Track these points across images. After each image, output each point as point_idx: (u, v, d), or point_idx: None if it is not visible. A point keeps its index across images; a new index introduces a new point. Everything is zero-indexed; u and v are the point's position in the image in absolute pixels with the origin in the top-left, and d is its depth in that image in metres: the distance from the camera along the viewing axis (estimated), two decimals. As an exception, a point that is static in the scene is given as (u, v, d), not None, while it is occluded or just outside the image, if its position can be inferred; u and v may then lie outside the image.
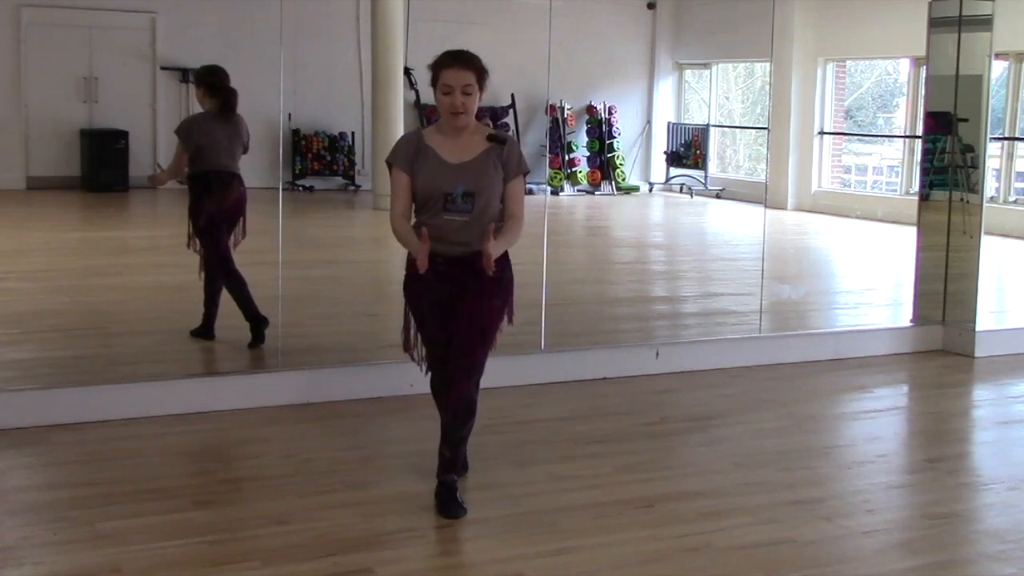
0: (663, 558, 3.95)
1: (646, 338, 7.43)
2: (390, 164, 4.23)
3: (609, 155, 16.64)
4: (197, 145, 6.33)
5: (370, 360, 6.07)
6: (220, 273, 6.47)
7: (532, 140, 15.88)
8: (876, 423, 5.86)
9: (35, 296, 7.98)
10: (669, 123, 17.33)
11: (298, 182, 14.74)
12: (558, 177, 16.13)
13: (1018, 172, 13.88)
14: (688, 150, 16.95)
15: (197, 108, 6.62)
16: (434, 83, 4.12)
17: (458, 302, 4.14)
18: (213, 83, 6.46)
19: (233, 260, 6.46)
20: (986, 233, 7.32)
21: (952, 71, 7.28)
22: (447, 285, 4.15)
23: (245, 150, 6.49)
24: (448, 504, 4.23)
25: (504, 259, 4.20)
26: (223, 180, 6.42)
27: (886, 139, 16.92)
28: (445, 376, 4.24)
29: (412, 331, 4.37)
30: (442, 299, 4.18)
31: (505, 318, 4.30)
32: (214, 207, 6.39)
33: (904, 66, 15.69)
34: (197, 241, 6.47)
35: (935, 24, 7.40)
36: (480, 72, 4.11)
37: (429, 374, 4.41)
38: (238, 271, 6.44)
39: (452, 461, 4.32)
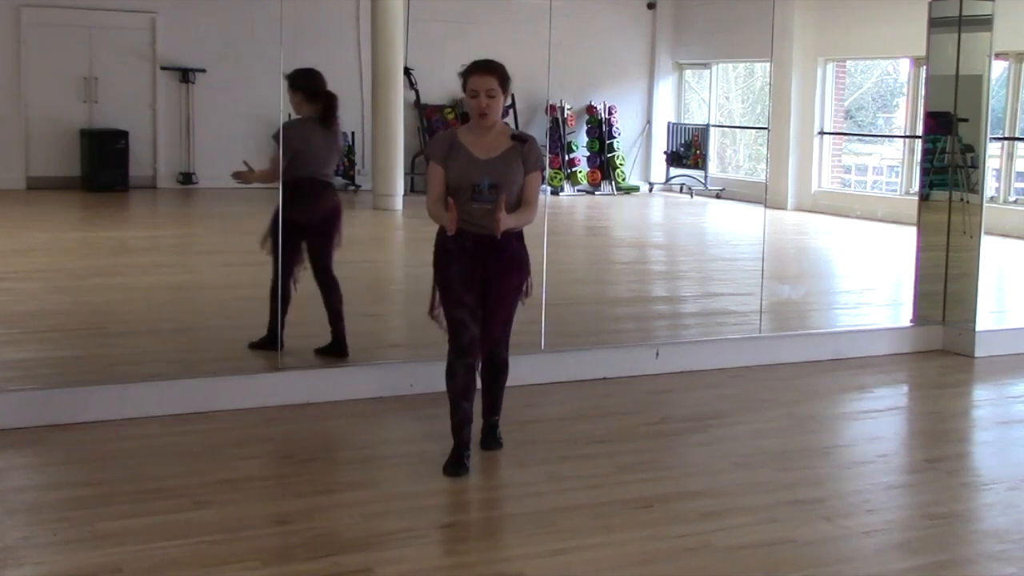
0: (663, 558, 3.95)
1: (646, 338, 7.43)
2: (427, 158, 4.83)
3: (609, 155, 16.64)
4: (295, 151, 6.02)
5: (370, 360, 6.07)
6: (282, 283, 6.11)
7: (532, 140, 15.87)
8: (876, 423, 5.86)
9: (35, 296, 7.99)
10: (669, 123, 17.34)
11: (298, 182, 14.76)
12: (558, 177, 16.13)
13: (1018, 172, 13.88)
14: (688, 150, 16.95)
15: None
16: (464, 88, 4.71)
17: (485, 277, 4.74)
18: (311, 88, 6.13)
19: (296, 276, 6.14)
20: (986, 233, 7.31)
21: (952, 71, 7.27)
22: (473, 260, 4.72)
23: (340, 158, 6.21)
24: (488, 439, 5.01)
25: (520, 241, 4.83)
26: (317, 189, 6.15)
27: (886, 139, 16.92)
28: (472, 339, 4.75)
29: (437, 299, 4.88)
30: (468, 271, 4.73)
31: (524, 291, 4.92)
32: (303, 218, 6.05)
33: (904, 66, 15.70)
34: (269, 245, 6.13)
35: (935, 24, 7.39)
36: (502, 78, 4.68)
37: (448, 348, 4.81)
38: (290, 289, 6.12)
39: (492, 405, 5.04)
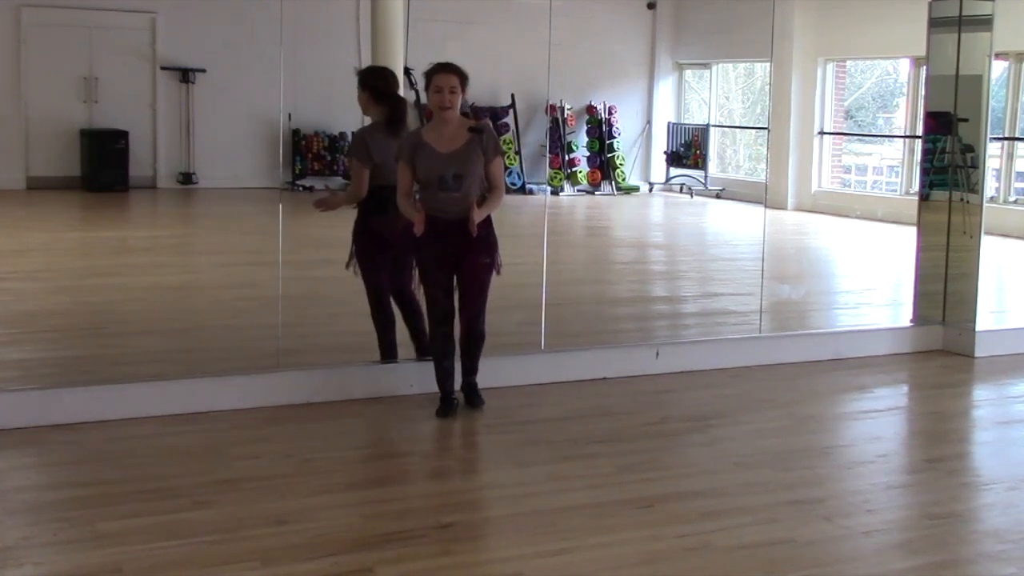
0: (663, 558, 3.95)
1: (646, 338, 7.43)
2: (396, 159, 5.41)
3: (609, 155, 16.64)
4: (375, 163, 5.65)
5: (370, 360, 6.06)
6: (372, 302, 5.88)
7: (532, 140, 15.88)
8: (876, 423, 5.86)
9: (35, 296, 7.99)
10: (669, 123, 17.33)
11: (298, 182, 14.75)
12: (558, 177, 16.13)
13: (1018, 172, 13.88)
14: (688, 150, 16.95)
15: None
16: (427, 87, 5.36)
17: (458, 257, 5.36)
18: (381, 89, 5.78)
19: (388, 293, 5.87)
20: (986, 233, 7.31)
21: (952, 71, 7.27)
22: (446, 243, 5.33)
23: None
24: (471, 396, 5.55)
25: (488, 223, 5.40)
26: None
27: (886, 139, 16.92)
28: (445, 312, 5.45)
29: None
30: (441, 253, 5.36)
31: (494, 270, 5.47)
32: (388, 228, 5.68)
33: (904, 66, 15.70)
34: (357, 265, 5.85)
35: (935, 24, 7.39)
36: (462, 76, 5.34)
37: (427, 320, 5.56)
38: (391, 308, 5.88)
39: (470, 368, 5.55)
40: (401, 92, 5.99)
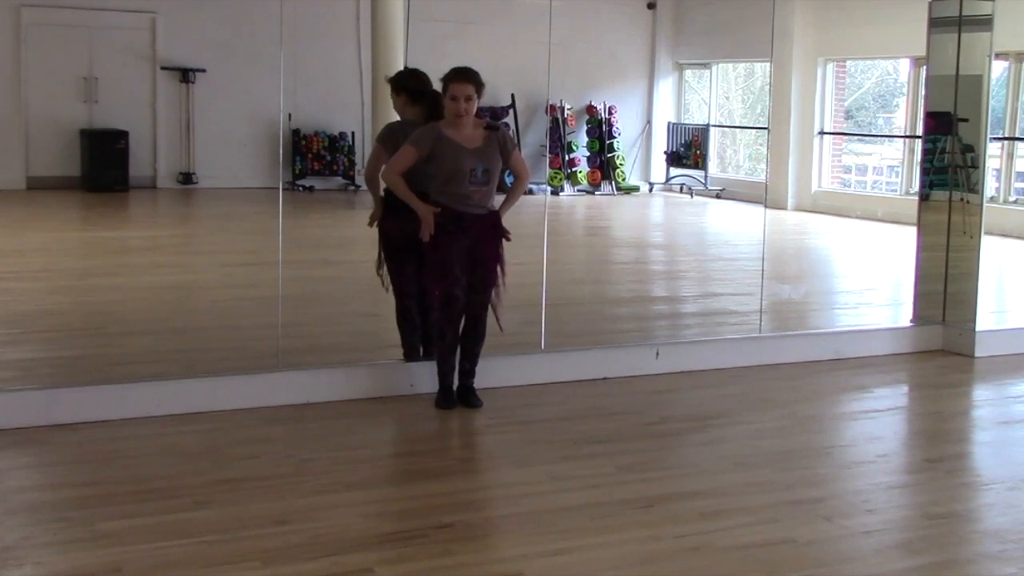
0: (663, 558, 3.95)
1: (646, 338, 7.43)
2: (411, 142, 5.45)
3: (609, 155, 16.64)
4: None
5: (370, 360, 6.07)
6: (398, 305, 5.87)
7: (532, 140, 15.89)
8: (876, 423, 5.86)
9: (35, 296, 7.99)
10: (669, 123, 17.34)
11: (298, 182, 14.75)
12: (558, 177, 16.13)
13: (1018, 172, 13.88)
14: (688, 150, 16.95)
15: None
16: (444, 92, 5.45)
17: (477, 250, 5.49)
18: (418, 89, 5.76)
19: (413, 297, 5.82)
20: (986, 233, 7.31)
21: (952, 71, 7.27)
22: (468, 238, 5.46)
23: None
24: (469, 397, 5.59)
25: (499, 220, 5.60)
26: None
27: (886, 139, 16.92)
28: (461, 309, 5.52)
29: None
30: (462, 250, 5.46)
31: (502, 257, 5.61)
32: (414, 230, 5.49)
33: (904, 66, 15.70)
34: (385, 268, 5.82)
35: (935, 24, 7.39)
36: (478, 85, 5.45)
37: (440, 315, 5.52)
38: (415, 313, 5.85)
39: (470, 371, 5.62)
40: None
